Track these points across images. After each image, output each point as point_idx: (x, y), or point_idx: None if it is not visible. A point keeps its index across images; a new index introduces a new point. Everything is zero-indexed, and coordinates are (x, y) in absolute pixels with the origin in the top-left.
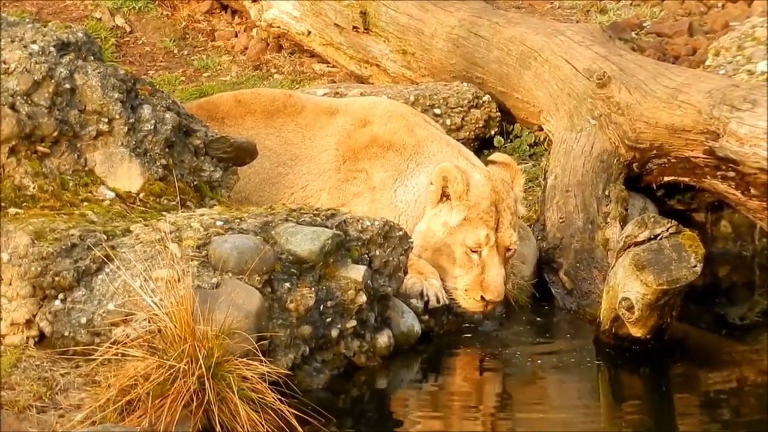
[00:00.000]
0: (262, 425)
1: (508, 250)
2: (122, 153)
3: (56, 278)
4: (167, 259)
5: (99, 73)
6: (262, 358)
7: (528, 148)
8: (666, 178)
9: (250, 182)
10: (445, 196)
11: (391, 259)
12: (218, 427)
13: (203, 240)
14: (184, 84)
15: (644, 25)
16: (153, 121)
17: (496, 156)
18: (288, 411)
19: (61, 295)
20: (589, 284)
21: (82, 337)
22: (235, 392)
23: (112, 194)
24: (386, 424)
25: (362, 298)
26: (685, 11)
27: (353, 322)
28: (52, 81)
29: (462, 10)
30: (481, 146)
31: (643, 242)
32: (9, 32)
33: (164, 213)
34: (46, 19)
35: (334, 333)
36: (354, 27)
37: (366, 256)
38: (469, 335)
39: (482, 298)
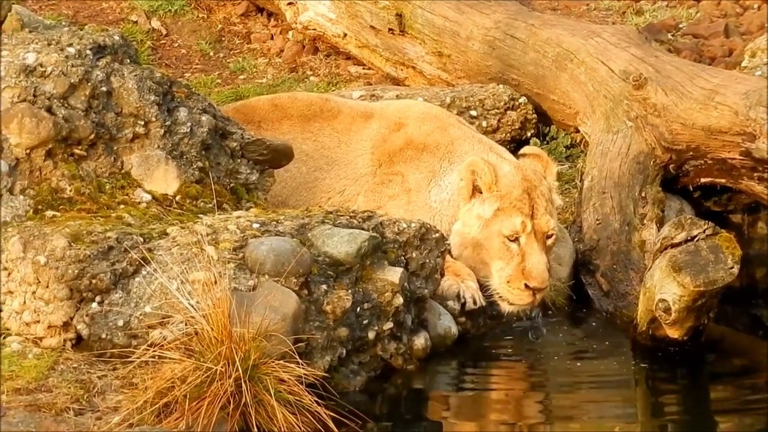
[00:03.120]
0: (299, 427)
1: (548, 237)
2: (159, 155)
3: (93, 281)
4: (204, 261)
5: (135, 75)
6: (299, 360)
7: (564, 149)
8: (702, 180)
9: (287, 186)
10: (476, 190)
11: (427, 261)
12: (255, 429)
13: (240, 242)
14: (220, 86)
15: (680, 26)
16: (189, 124)
17: (526, 149)
18: (325, 413)
19: (98, 298)
20: (625, 286)
21: (119, 340)
22: (272, 394)
23: (148, 197)
24: (423, 426)
25: (399, 300)
26: (721, 13)
27: (390, 324)
28: (89, 84)
29: (498, 12)
30: (518, 148)
31: (679, 244)
32: (45, 35)
33: (201, 215)
34: (83, 22)
35: (371, 335)
36: (390, 29)
37: (402, 258)
38: (506, 337)
39: (526, 286)
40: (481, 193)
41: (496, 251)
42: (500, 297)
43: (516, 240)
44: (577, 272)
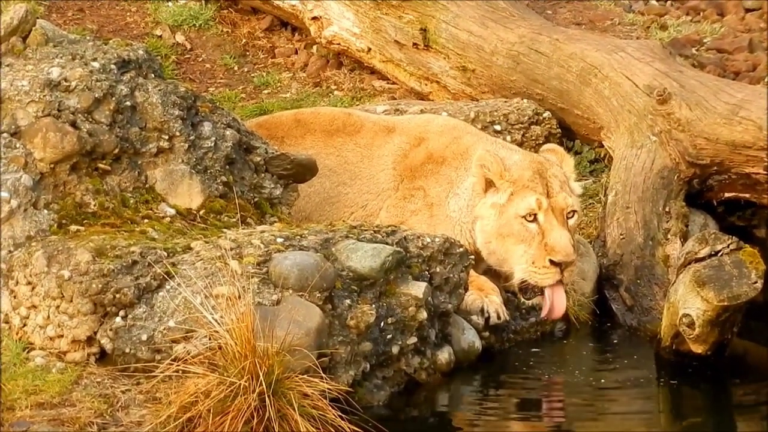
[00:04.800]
0: None
1: (569, 216)
2: (183, 170)
3: (117, 295)
4: (228, 276)
5: (159, 90)
6: (323, 374)
7: (588, 164)
8: (726, 195)
9: (310, 201)
10: (489, 184)
11: (451, 275)
12: None
13: (264, 257)
14: (244, 101)
15: (704, 41)
16: (213, 138)
17: (544, 146)
18: (348, 428)
19: (122, 312)
20: (649, 301)
21: (143, 354)
22: (296, 409)
23: (172, 211)
24: None
25: (423, 315)
26: (745, 27)
27: (414, 339)
28: (113, 98)
29: (522, 27)
30: None
31: (703, 258)
32: (70, 49)
33: (225, 230)
34: (107, 36)
35: (395, 350)
36: (414, 44)
37: (426, 272)
38: (529, 351)
39: (552, 263)
40: (494, 185)
41: (517, 235)
42: (526, 286)
43: (534, 219)
44: (601, 287)
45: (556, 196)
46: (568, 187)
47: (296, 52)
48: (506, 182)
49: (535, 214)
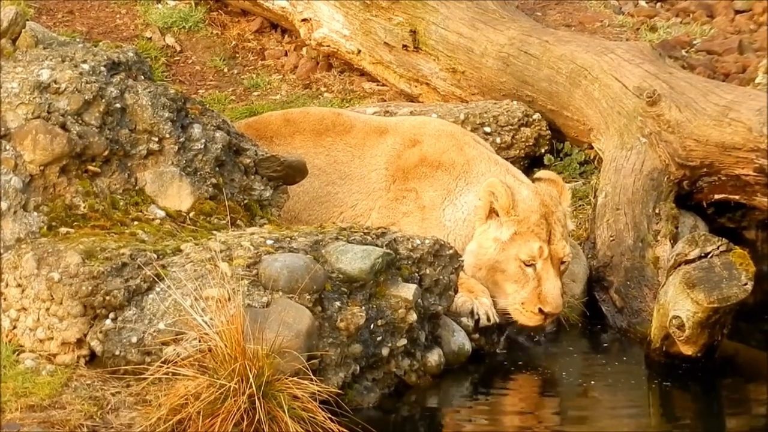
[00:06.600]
0: None
1: (562, 262)
2: (172, 172)
3: (107, 297)
4: (218, 278)
5: (149, 92)
6: (313, 377)
7: (578, 166)
8: (716, 196)
9: (299, 201)
10: (493, 212)
11: (441, 277)
12: None
13: (253, 259)
14: (234, 103)
15: (694, 43)
16: (203, 140)
17: (542, 173)
18: (338, 430)
19: (111, 315)
20: (639, 302)
21: (133, 357)
22: (286, 411)
23: (162, 213)
24: None
25: (413, 317)
26: (734, 29)
27: (404, 341)
28: (103, 100)
29: (512, 29)
30: (531, 164)
31: (693, 260)
32: (60, 51)
33: (214, 232)
34: (97, 38)
35: (385, 352)
36: (404, 46)
37: (416, 274)
38: (519, 354)
39: (540, 311)
40: (497, 215)
41: (512, 275)
42: (511, 317)
43: (532, 265)
44: (591, 288)
45: (556, 244)
46: (566, 230)
47: (286, 54)
48: (511, 220)
49: (534, 262)
